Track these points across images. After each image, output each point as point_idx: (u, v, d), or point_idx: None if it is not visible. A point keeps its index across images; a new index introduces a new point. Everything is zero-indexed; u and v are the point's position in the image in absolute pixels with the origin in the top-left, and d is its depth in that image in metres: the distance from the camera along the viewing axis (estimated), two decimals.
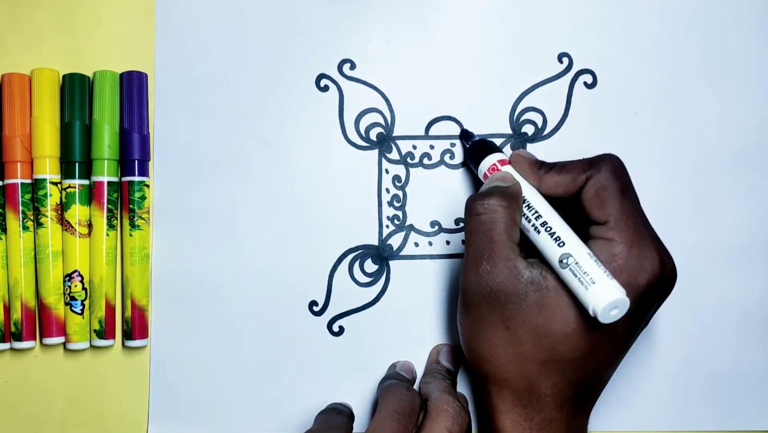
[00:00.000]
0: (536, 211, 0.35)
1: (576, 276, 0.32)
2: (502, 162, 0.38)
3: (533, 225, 0.35)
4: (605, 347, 0.34)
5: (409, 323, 0.42)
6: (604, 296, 0.31)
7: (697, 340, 0.42)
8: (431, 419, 0.35)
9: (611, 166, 0.35)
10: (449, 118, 0.43)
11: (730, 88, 0.43)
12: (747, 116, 0.43)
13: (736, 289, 0.42)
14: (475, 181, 0.43)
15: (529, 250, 0.35)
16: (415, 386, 0.41)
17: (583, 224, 0.35)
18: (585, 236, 0.34)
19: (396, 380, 0.38)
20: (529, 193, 0.36)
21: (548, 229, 0.34)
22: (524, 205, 0.36)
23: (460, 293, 0.36)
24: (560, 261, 0.32)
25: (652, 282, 0.33)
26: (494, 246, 0.34)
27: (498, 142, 0.43)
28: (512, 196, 0.35)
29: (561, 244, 0.33)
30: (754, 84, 0.43)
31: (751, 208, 0.42)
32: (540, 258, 0.34)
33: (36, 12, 0.43)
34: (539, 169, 0.37)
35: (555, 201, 0.36)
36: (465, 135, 0.42)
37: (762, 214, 0.42)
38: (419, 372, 0.42)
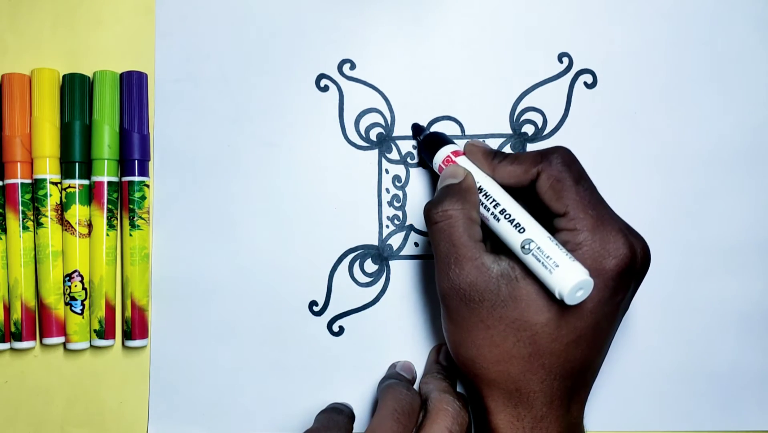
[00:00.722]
0: (494, 200, 0.35)
1: (539, 261, 0.32)
2: (456, 153, 0.38)
3: (492, 213, 0.35)
4: (586, 334, 0.33)
5: (409, 323, 0.42)
6: (569, 278, 0.31)
7: (696, 340, 0.42)
8: (431, 419, 0.35)
9: (562, 158, 0.35)
10: (449, 118, 0.43)
11: (730, 87, 0.43)
12: (747, 116, 0.43)
13: (735, 289, 0.42)
14: None
15: (498, 247, 0.36)
16: (415, 386, 0.41)
17: (549, 218, 0.35)
18: (551, 230, 0.34)
19: (396, 380, 0.38)
20: (485, 182, 0.36)
21: (507, 216, 0.34)
22: (481, 194, 0.36)
23: (440, 301, 0.36)
24: (522, 247, 0.33)
25: (621, 265, 0.33)
26: (458, 249, 0.34)
27: (498, 142, 0.43)
28: (465, 193, 0.35)
29: (521, 230, 0.33)
30: (754, 84, 0.43)
31: (750, 208, 0.42)
32: (508, 252, 0.34)
33: (36, 12, 0.43)
34: (493, 158, 0.37)
35: (520, 196, 0.36)
36: (416, 129, 0.42)
37: (762, 214, 0.42)
38: (419, 372, 0.42)
